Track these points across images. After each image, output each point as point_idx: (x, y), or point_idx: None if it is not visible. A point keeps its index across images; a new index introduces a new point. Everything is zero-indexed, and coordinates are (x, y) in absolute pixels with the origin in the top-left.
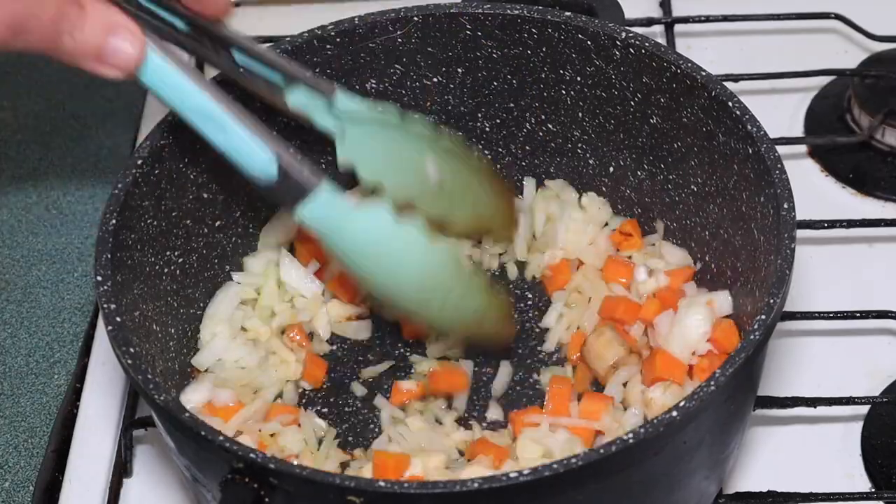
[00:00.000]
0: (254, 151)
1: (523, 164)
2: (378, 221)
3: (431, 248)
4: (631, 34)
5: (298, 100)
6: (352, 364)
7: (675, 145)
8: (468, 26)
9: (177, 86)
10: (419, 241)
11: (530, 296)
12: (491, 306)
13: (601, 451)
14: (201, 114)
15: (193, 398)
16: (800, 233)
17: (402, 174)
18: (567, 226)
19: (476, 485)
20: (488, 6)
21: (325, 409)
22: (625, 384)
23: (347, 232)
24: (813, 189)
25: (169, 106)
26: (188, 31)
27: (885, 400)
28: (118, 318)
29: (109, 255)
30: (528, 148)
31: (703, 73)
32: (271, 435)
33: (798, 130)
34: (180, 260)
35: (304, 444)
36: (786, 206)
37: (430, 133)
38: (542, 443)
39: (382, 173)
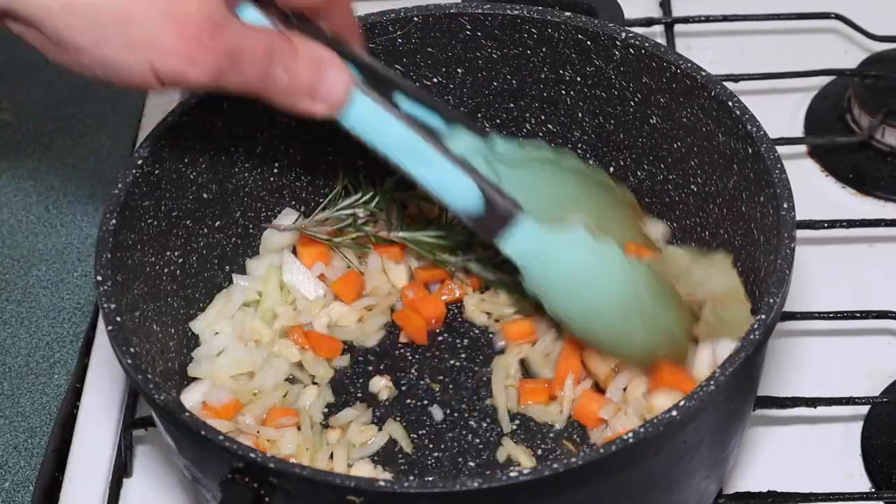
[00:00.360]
0: (460, 185)
1: None
2: (578, 242)
3: (629, 266)
4: (631, 34)
5: (460, 144)
6: (353, 366)
7: (675, 145)
8: (468, 27)
9: (380, 121)
10: (617, 259)
11: None
12: (680, 321)
13: (601, 450)
14: (406, 149)
15: (193, 398)
16: (800, 233)
17: (555, 211)
18: None
19: (475, 484)
20: (488, 6)
21: (325, 410)
22: (625, 389)
23: (550, 260)
24: (813, 189)
25: (369, 144)
26: (356, 72)
27: (885, 400)
28: (118, 318)
29: (109, 255)
30: None
31: (703, 73)
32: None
33: (798, 130)
34: (180, 260)
35: (304, 443)
36: (785, 205)
37: (583, 166)
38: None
39: (537, 211)
